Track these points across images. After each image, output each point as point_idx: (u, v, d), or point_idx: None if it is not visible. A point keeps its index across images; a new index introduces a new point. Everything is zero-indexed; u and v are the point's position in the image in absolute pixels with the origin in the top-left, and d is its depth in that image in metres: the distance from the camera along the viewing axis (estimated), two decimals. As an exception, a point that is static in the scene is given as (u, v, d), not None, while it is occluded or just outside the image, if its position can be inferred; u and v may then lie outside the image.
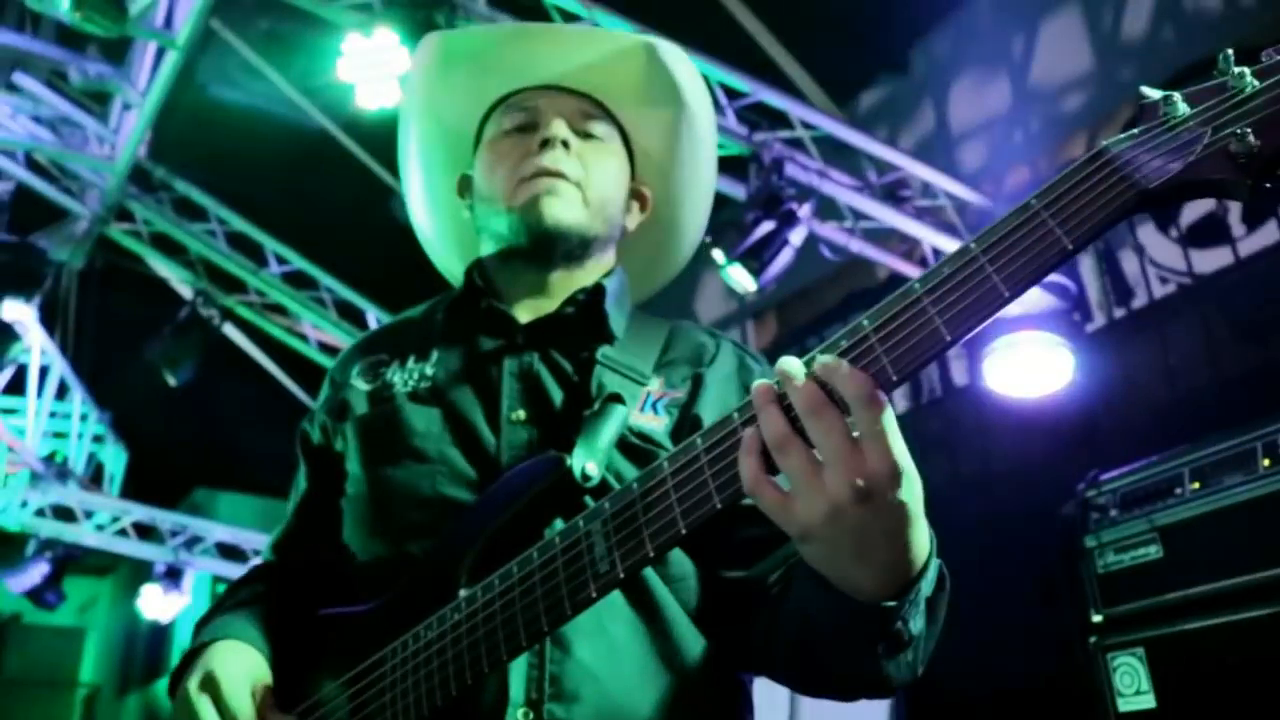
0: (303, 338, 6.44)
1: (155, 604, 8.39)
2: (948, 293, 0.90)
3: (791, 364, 0.94)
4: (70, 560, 8.68)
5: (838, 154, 5.09)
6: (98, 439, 10.07)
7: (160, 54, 5.21)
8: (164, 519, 8.71)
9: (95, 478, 9.68)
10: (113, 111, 5.90)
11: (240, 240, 6.15)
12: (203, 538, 8.72)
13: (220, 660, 1.27)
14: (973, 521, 4.14)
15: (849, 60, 6.43)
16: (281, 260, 6.18)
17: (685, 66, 1.53)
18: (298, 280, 6.25)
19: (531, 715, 1.18)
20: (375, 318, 6.45)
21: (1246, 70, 0.88)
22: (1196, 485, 2.88)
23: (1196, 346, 4.67)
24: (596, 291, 1.44)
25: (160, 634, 14.58)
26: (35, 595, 8.32)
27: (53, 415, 9.25)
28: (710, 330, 1.51)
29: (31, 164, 5.98)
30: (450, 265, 1.71)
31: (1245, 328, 4.58)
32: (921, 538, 0.97)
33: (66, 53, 5.41)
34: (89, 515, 8.52)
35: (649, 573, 1.25)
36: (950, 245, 4.99)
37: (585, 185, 1.44)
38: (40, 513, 8.24)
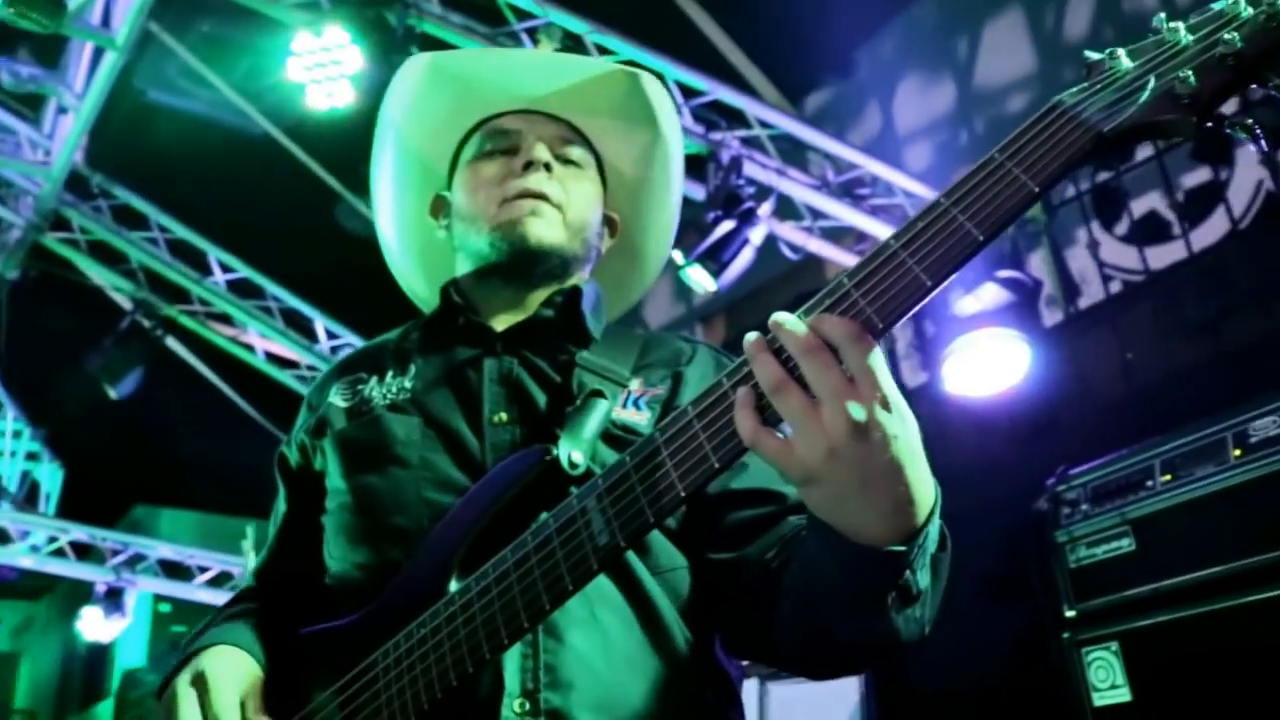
0: (249, 348, 6.27)
1: (95, 626, 8.14)
2: (924, 243, 0.94)
3: (783, 315, 0.97)
4: (2, 583, 8.39)
5: (794, 153, 5.08)
6: (31, 456, 9.77)
7: (97, 56, 5.04)
8: (103, 538, 8.45)
9: (30, 497, 9.38)
10: (46, 116, 5.71)
11: (182, 248, 5.97)
12: (144, 556, 8.48)
13: (211, 662, 1.27)
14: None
15: (795, 63, 6.47)
16: (226, 268, 6.01)
17: (662, 95, 1.58)
18: (243, 289, 6.08)
19: (528, 705, 1.18)
20: (323, 327, 6.31)
21: (1180, 24, 0.96)
22: (1168, 477, 2.88)
23: (1152, 341, 4.72)
24: (574, 294, 1.47)
25: (98, 658, 14.21)
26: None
27: (-17, 433, 8.97)
28: (685, 336, 1.55)
29: (-40, 171, 5.77)
30: (414, 284, 1.73)
31: (1198, 321, 4.64)
32: (924, 479, 0.98)
33: (-3, 56, 5.23)
34: (24, 535, 8.24)
35: (638, 564, 1.27)
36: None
37: (565, 207, 1.48)
38: (-29, 534, 7.96)
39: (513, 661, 1.19)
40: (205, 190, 6.68)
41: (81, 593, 9.18)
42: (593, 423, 1.27)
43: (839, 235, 5.17)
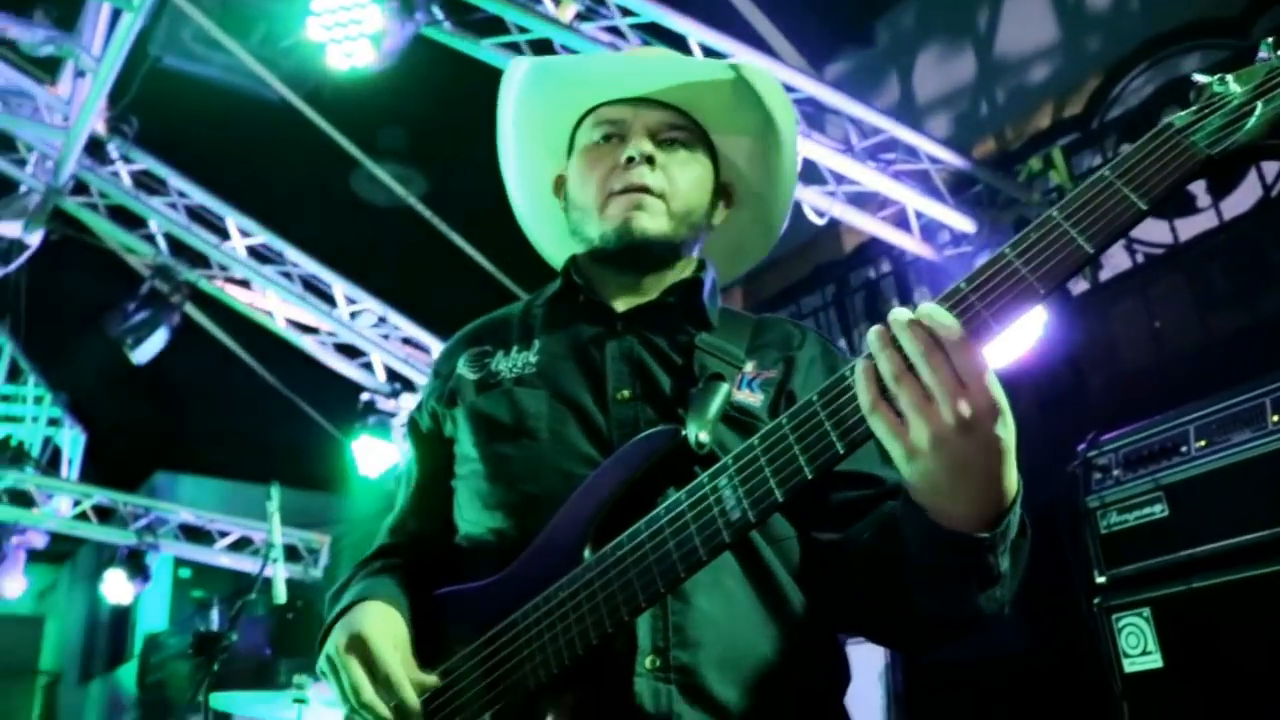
0: (268, 314, 6.26)
1: (118, 588, 8.22)
2: (1036, 253, 1.04)
3: (902, 312, 1.06)
4: (32, 551, 8.48)
5: (816, 117, 5.02)
6: (53, 422, 9.84)
7: (115, 18, 5.00)
8: (125, 502, 8.51)
9: (52, 462, 9.45)
10: (64, 79, 5.67)
11: (202, 214, 5.95)
12: (166, 520, 8.54)
13: (365, 622, 1.36)
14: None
15: (815, 32, 6.41)
16: (245, 233, 5.98)
17: (769, 79, 1.60)
18: (262, 255, 6.07)
19: (659, 661, 1.28)
20: (343, 292, 6.29)
21: None
22: (1203, 443, 2.83)
23: (1181, 310, 4.66)
24: (695, 284, 1.56)
25: (121, 622, 14.39)
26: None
27: (5, 399, 9.02)
28: (793, 321, 1.63)
29: (-22, 135, 5.75)
30: (545, 248, 1.83)
31: (1228, 291, 4.58)
32: (1012, 475, 1.08)
33: (12, 19, 5.19)
34: (48, 499, 8.30)
35: (755, 533, 1.33)
36: (933, 208, 4.95)
37: (669, 196, 1.53)
38: (-4, 498, 8.03)
39: (644, 622, 1.29)
40: (224, 155, 6.65)
41: (104, 557, 9.27)
42: (714, 405, 1.35)
43: (863, 200, 5.11)
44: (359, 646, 1.33)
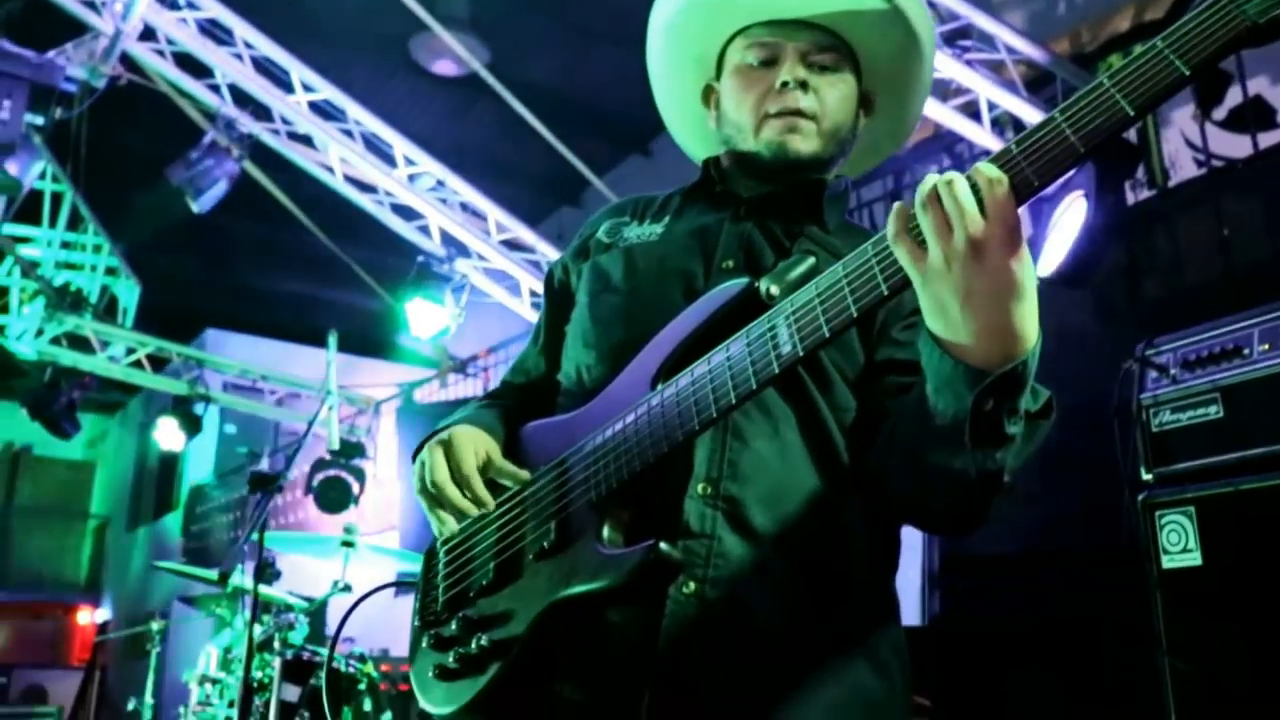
0: (328, 169, 6.28)
1: (169, 435, 8.47)
2: (1080, 113, 1.08)
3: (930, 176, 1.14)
4: (84, 390, 8.70)
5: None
6: (110, 271, 10.01)
7: None
8: (179, 353, 8.71)
9: (109, 310, 9.65)
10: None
11: (266, 66, 5.93)
12: (219, 373, 8.74)
13: (453, 430, 1.55)
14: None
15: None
16: (309, 88, 5.97)
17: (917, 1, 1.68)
18: (325, 112, 6.06)
19: (710, 490, 1.41)
20: (403, 154, 6.28)
21: None
22: (1266, 346, 2.81)
23: (1252, 221, 4.56)
24: (818, 184, 1.65)
25: (168, 472, 14.85)
26: (53, 422, 8.36)
27: (65, 246, 9.17)
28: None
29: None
30: (689, 147, 1.92)
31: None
32: (1027, 315, 1.13)
33: None
34: (105, 346, 8.50)
35: (820, 399, 1.46)
36: (1008, 100, 4.83)
37: (821, 118, 1.61)
38: (56, 341, 8.22)
39: (702, 454, 1.42)
40: (290, 10, 6.61)
41: (154, 409, 9.52)
42: (796, 271, 1.40)
43: (938, 88, 5.00)
44: (445, 445, 1.52)
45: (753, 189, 1.67)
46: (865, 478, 1.45)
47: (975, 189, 1.10)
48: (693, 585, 1.37)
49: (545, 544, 1.43)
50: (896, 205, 1.16)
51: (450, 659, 1.47)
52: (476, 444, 1.53)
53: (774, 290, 1.37)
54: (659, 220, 1.71)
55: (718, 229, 1.63)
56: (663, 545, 1.30)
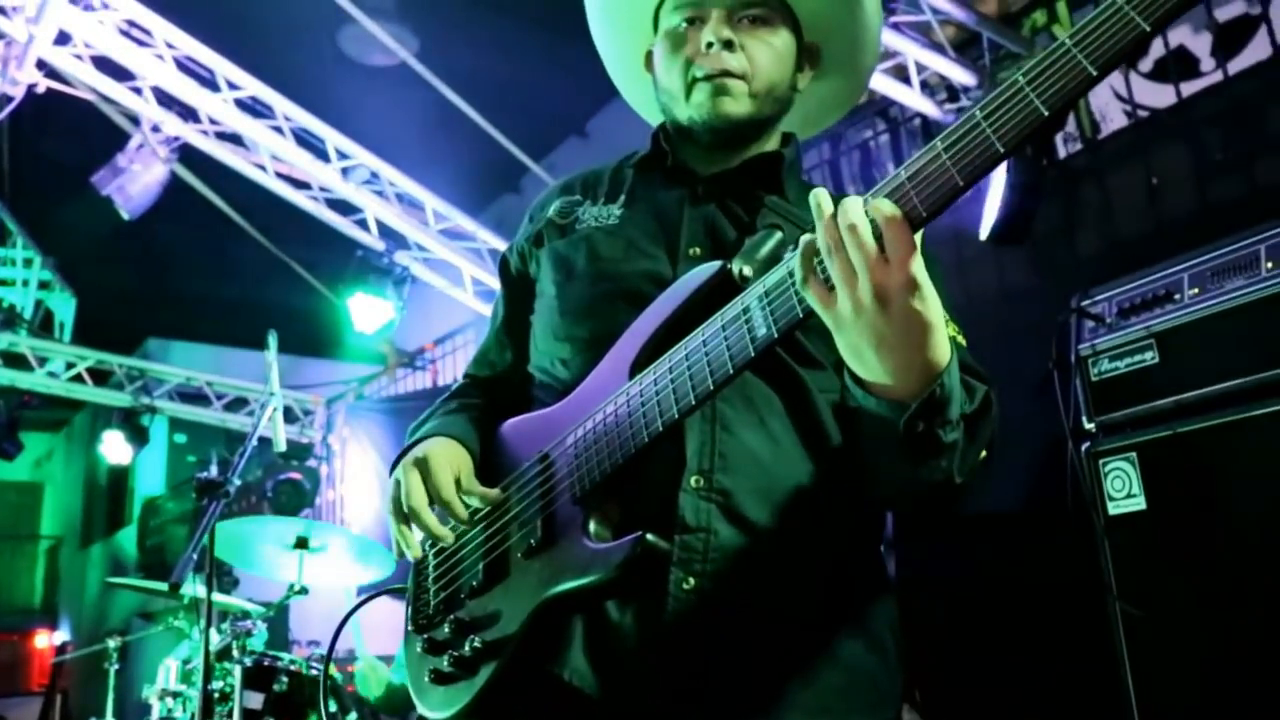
0: (260, 167, 6.16)
1: (116, 448, 8.31)
2: (999, 116, 1.06)
3: (821, 194, 1.15)
4: (25, 408, 8.51)
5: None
6: (44, 285, 9.80)
7: None
8: (120, 364, 8.54)
9: (44, 326, 9.44)
10: (41, -77, 5.45)
11: (190, 66, 5.80)
12: (162, 382, 8.58)
13: (429, 448, 1.53)
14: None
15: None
16: (235, 86, 5.85)
17: None
18: (252, 109, 5.94)
19: (703, 481, 1.40)
20: (334, 147, 6.19)
21: None
22: (1195, 290, 2.85)
23: (1179, 167, 4.63)
24: (775, 157, 1.64)
25: (119, 486, 14.59)
26: (-8, 444, 8.17)
27: (-5, 262, 8.97)
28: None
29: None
30: (647, 113, 1.86)
31: (1229, 151, 4.54)
32: (939, 344, 1.16)
33: None
34: (43, 362, 8.32)
35: (806, 377, 1.45)
36: (937, 62, 4.87)
37: (751, 76, 1.57)
38: (-10, 360, 8.03)
39: (693, 445, 1.41)
40: (212, 6, 6.45)
41: (99, 424, 9.34)
42: (766, 247, 1.41)
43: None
44: (420, 465, 1.51)
45: (704, 161, 1.64)
46: (855, 456, 1.44)
47: (874, 225, 1.10)
48: (693, 580, 1.36)
49: (532, 541, 1.42)
50: (804, 243, 1.16)
51: (445, 663, 1.46)
52: (453, 462, 1.53)
53: (746, 271, 1.37)
54: (614, 200, 1.67)
55: (678, 212, 1.60)
56: (649, 536, 1.30)
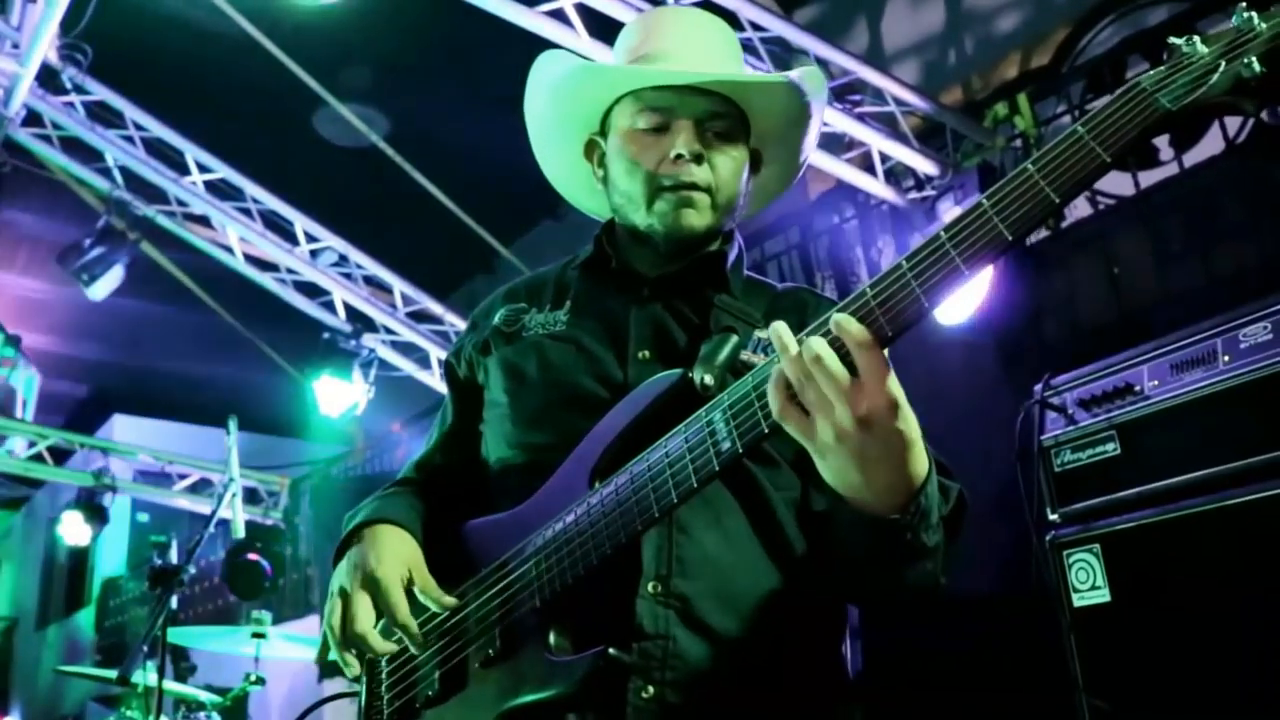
0: (228, 249, 6.16)
1: (75, 529, 8.13)
2: (925, 267, 1.13)
3: (781, 327, 1.15)
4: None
5: (785, 58, 4.98)
6: (7, 363, 9.68)
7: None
8: (82, 443, 8.41)
9: (6, 402, 9.30)
10: (14, 6, 5.50)
11: (159, 148, 5.82)
12: (124, 462, 8.45)
13: (375, 552, 1.49)
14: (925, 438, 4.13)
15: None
16: (204, 169, 5.87)
17: (817, 78, 1.66)
18: (222, 191, 5.96)
19: (660, 587, 1.39)
20: (303, 229, 6.20)
21: (1254, 14, 1.08)
22: (1155, 383, 2.87)
23: (1140, 256, 4.70)
24: (719, 256, 1.65)
25: (79, 567, 14.27)
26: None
27: (-43, 339, 8.87)
28: (813, 291, 1.75)
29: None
30: (582, 200, 1.86)
31: (1189, 242, 4.61)
32: (919, 461, 1.18)
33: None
34: (3, 440, 8.18)
35: (765, 481, 1.45)
36: (899, 150, 4.95)
37: (716, 190, 1.58)
38: (-51, 438, 7.89)
39: (650, 551, 1.40)
40: (182, 89, 6.50)
41: (60, 503, 9.17)
42: (724, 353, 1.42)
43: (829, 142, 5.10)
44: (371, 586, 1.46)
45: (650, 263, 1.64)
46: (816, 554, 1.45)
47: (841, 345, 1.11)
48: (652, 690, 1.35)
49: (490, 651, 1.41)
50: (775, 374, 1.16)
51: None
52: (403, 561, 1.49)
53: (708, 379, 1.37)
54: (560, 306, 1.67)
55: (624, 315, 1.59)
56: (611, 650, 1.30)
